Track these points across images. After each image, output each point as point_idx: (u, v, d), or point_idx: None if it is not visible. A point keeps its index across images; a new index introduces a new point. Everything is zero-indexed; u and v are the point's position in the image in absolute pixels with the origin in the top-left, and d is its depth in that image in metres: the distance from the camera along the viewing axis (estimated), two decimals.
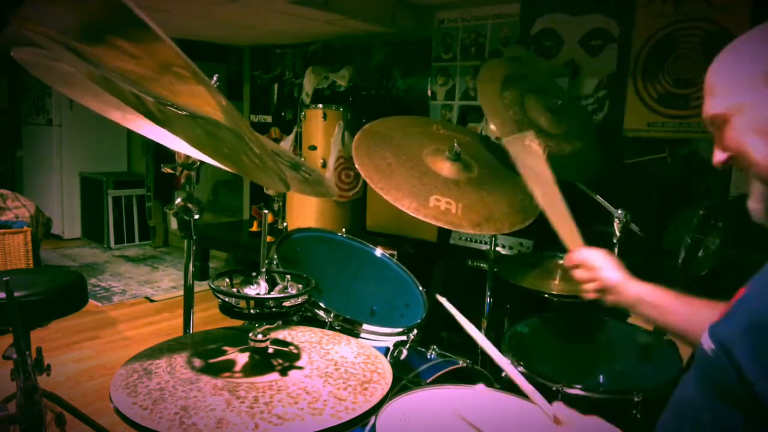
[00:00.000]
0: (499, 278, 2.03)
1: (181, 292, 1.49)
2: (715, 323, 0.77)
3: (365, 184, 3.54)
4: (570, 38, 3.24)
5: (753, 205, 0.86)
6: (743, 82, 0.81)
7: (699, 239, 2.13)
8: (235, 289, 1.09)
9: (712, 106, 0.86)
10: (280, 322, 1.22)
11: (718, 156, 0.90)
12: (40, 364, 1.61)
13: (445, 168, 1.85)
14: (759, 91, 0.79)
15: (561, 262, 2.00)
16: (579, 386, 1.46)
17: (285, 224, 3.79)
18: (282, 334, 1.21)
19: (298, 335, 1.22)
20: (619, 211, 2.05)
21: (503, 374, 1.62)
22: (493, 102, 2.05)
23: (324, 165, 3.61)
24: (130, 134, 6.31)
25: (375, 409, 0.94)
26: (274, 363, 1.06)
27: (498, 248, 2.11)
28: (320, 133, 3.66)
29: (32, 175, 6.18)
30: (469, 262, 2.98)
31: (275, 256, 1.71)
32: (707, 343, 0.75)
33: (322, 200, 3.63)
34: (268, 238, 1.17)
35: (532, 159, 1.38)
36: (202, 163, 1.34)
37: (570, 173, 2.02)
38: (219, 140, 1.05)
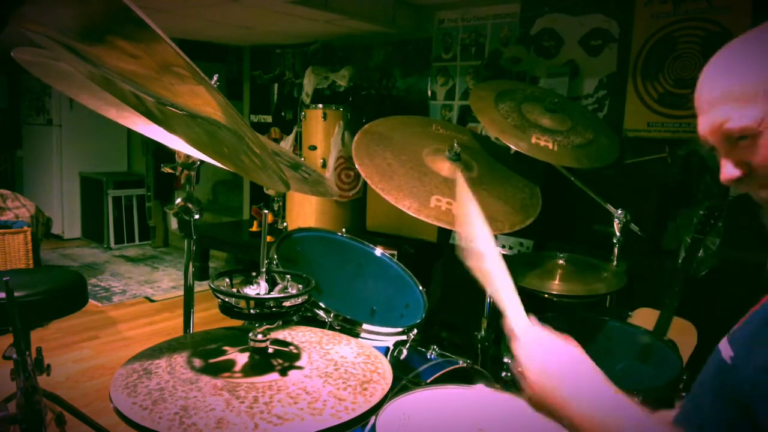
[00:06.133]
0: None
1: (181, 292, 1.49)
2: (735, 330, 0.72)
3: (365, 184, 3.54)
4: (570, 38, 3.24)
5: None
6: None
7: (699, 239, 2.13)
8: (235, 289, 1.09)
9: (733, 117, 0.72)
10: (280, 322, 1.22)
11: (731, 172, 0.76)
12: (40, 364, 1.61)
13: (445, 168, 1.85)
14: None
15: (561, 261, 1.99)
16: None
17: (285, 224, 3.79)
18: (282, 334, 1.21)
19: (298, 335, 1.22)
20: (619, 211, 2.05)
21: (503, 374, 1.62)
22: (489, 114, 2.06)
23: (324, 165, 3.61)
24: (130, 134, 6.31)
25: (375, 409, 0.94)
26: (274, 363, 1.06)
27: (498, 248, 2.11)
28: (320, 133, 3.66)
29: (32, 175, 6.18)
30: None
31: (275, 256, 1.71)
32: (726, 351, 0.70)
33: (322, 200, 3.63)
34: (268, 238, 1.17)
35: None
36: (202, 162, 1.34)
37: (590, 161, 2.01)
38: (219, 140, 1.05)
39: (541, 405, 0.80)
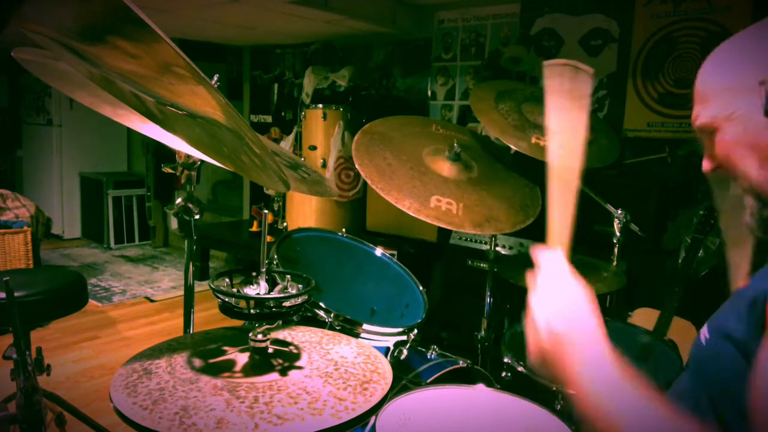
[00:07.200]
0: (499, 278, 2.03)
1: (181, 292, 1.49)
2: (712, 316, 0.78)
3: (365, 184, 3.54)
4: (570, 38, 3.24)
5: (746, 219, 0.80)
6: (732, 91, 0.75)
7: (699, 239, 2.13)
8: (235, 289, 1.09)
9: (701, 115, 0.80)
10: (280, 322, 1.22)
11: (705, 165, 0.83)
12: (40, 364, 1.61)
13: (446, 168, 1.85)
14: (747, 102, 0.73)
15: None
16: None
17: (285, 224, 3.80)
18: (282, 334, 1.21)
19: (298, 335, 1.22)
20: (619, 211, 2.05)
21: (503, 374, 1.62)
22: (489, 114, 2.05)
23: (324, 165, 3.61)
24: (130, 134, 6.31)
25: (375, 409, 0.94)
26: (274, 363, 1.06)
27: (498, 248, 2.11)
28: (320, 133, 3.66)
29: (32, 175, 6.18)
30: (469, 262, 2.98)
31: (275, 256, 1.71)
32: (704, 333, 0.76)
33: (322, 200, 3.63)
34: (268, 238, 1.17)
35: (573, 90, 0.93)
36: (202, 162, 1.34)
37: (590, 161, 2.02)
38: (219, 140, 1.05)
39: (544, 353, 0.77)
